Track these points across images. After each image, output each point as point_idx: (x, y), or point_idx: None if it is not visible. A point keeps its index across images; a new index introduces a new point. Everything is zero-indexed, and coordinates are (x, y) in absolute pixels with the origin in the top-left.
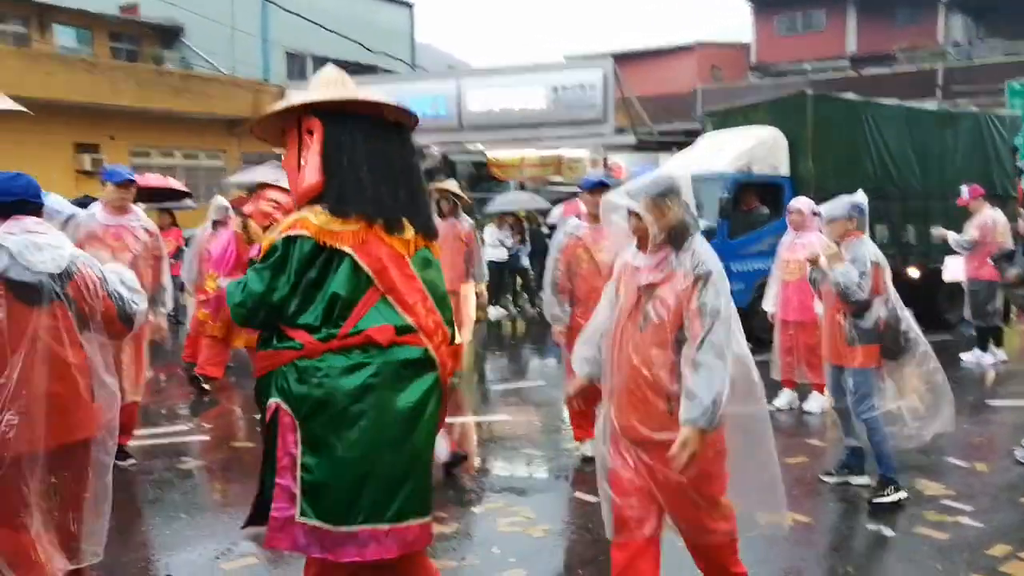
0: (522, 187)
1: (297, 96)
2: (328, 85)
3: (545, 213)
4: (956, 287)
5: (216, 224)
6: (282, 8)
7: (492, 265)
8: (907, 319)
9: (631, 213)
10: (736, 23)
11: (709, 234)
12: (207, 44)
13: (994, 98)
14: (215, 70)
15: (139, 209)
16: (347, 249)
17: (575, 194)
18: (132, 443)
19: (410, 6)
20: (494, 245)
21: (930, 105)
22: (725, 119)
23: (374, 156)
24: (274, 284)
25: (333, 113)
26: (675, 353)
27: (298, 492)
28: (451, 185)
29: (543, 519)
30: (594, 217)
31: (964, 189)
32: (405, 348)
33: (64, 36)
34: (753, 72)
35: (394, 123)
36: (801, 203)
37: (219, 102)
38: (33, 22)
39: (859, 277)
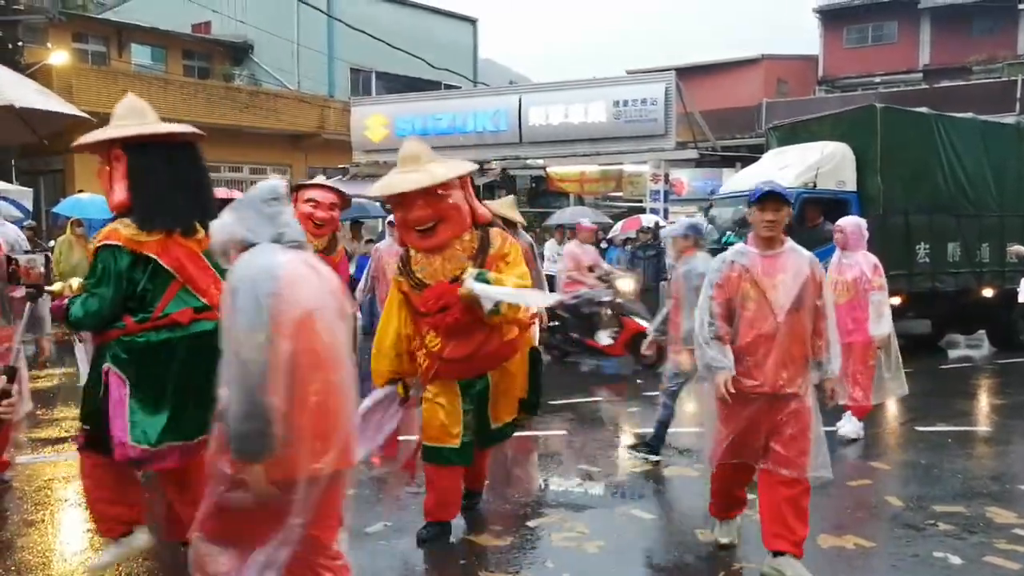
0: (582, 201)
1: (107, 131)
2: (130, 116)
3: (606, 228)
4: None
5: None
6: (347, 25)
7: (550, 279)
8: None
9: None
10: (804, 35)
11: None
12: (274, 61)
13: None
14: (282, 86)
15: None
16: (152, 255)
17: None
18: None
19: (473, 22)
20: (553, 259)
21: (1008, 119)
22: (790, 133)
23: (171, 176)
24: (112, 294)
25: (134, 143)
26: None
27: (128, 426)
28: (499, 207)
29: (598, 535)
30: (766, 241)
31: None
32: (202, 323)
33: (140, 54)
34: (821, 85)
35: (185, 142)
36: (846, 222)
37: (286, 117)
38: (112, 41)
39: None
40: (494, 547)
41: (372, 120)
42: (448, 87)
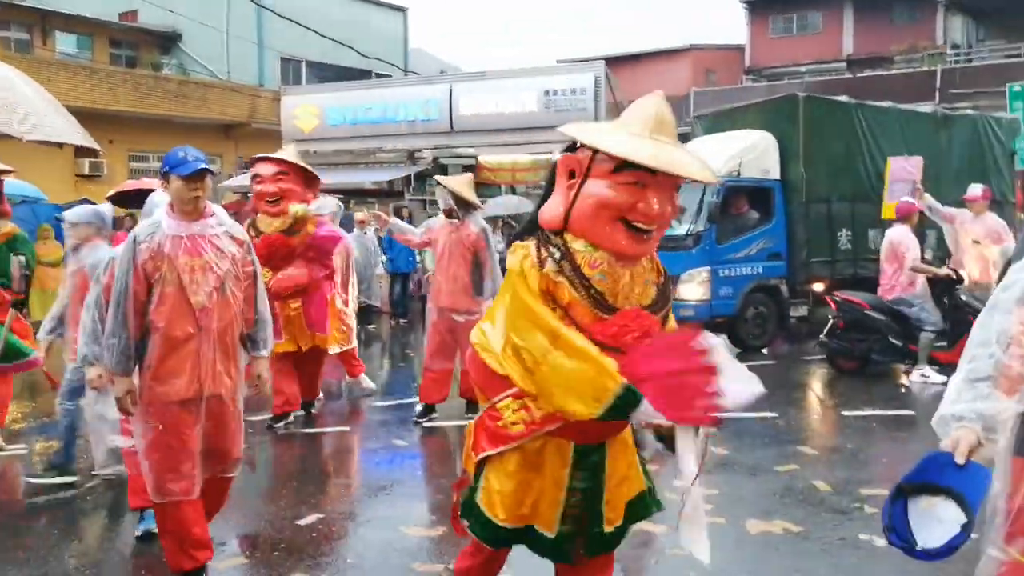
0: (513, 191)
1: None
2: None
3: None
4: None
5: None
6: (277, 14)
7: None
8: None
9: None
10: (732, 25)
11: (696, 239)
12: (204, 50)
13: (994, 100)
14: (212, 75)
15: (220, 209)
16: None
17: None
18: None
19: (404, 11)
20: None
21: (926, 108)
22: (715, 122)
23: None
24: None
25: None
26: None
27: None
28: (458, 185)
29: None
30: None
31: (978, 188)
32: None
33: (65, 42)
34: (747, 75)
35: None
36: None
37: (215, 107)
38: (36, 29)
39: None
40: (428, 537)
41: (302, 110)
42: (379, 76)
